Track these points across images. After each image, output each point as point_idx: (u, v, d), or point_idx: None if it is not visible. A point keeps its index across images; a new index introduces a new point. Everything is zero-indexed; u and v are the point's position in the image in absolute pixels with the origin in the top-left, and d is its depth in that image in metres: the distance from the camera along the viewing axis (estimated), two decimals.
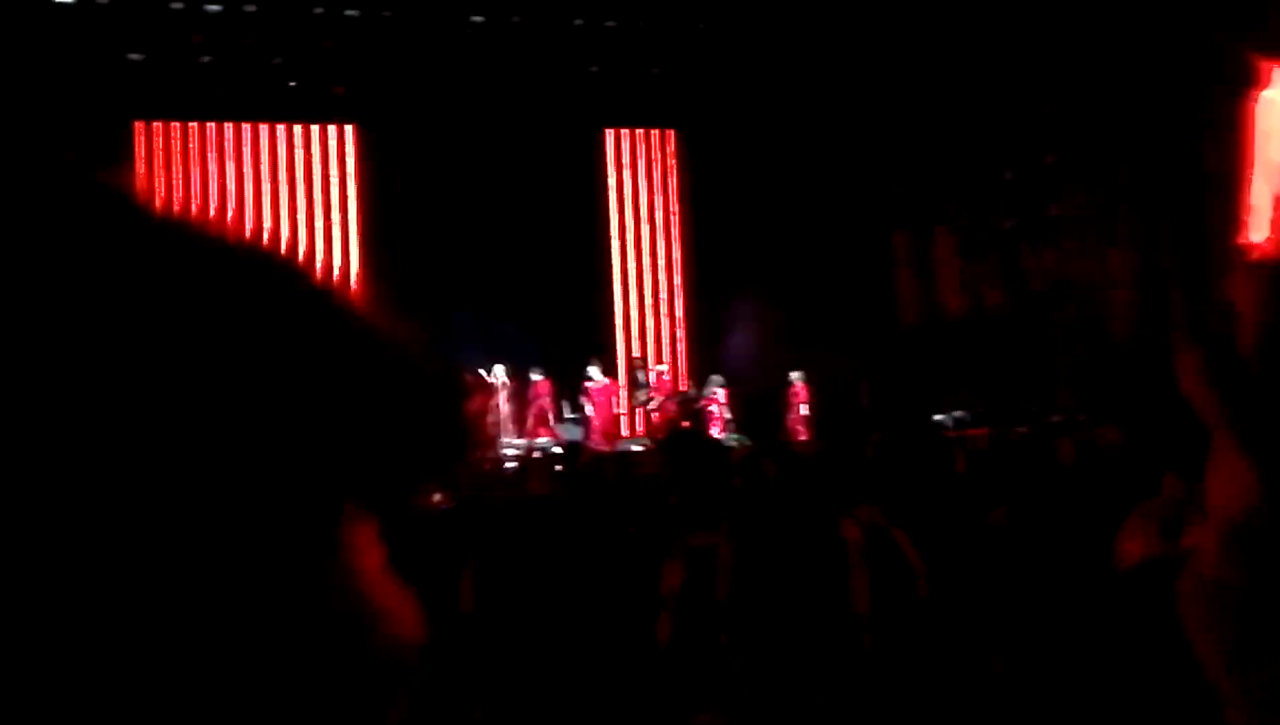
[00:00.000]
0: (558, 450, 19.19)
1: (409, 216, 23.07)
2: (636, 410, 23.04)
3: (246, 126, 23.21)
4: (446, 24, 21.91)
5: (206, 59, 21.61)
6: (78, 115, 21.25)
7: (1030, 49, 20.00)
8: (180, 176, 22.89)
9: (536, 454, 16.04)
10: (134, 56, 21.22)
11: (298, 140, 23.49)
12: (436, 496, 8.10)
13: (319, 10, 21.36)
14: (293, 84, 22.10)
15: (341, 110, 23.09)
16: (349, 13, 21.49)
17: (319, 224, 23.53)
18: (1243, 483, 0.96)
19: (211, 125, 23.06)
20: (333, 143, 23.62)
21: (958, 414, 19.75)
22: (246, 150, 23.27)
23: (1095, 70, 19.10)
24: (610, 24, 22.33)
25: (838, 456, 8.33)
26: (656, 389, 22.26)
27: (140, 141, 22.79)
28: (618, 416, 22.48)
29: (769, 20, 22.08)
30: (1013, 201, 21.25)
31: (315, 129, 23.49)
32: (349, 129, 23.55)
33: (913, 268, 23.58)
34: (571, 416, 22.15)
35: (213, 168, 23.12)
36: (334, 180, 23.63)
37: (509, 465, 14.12)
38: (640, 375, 22.87)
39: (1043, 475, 7.10)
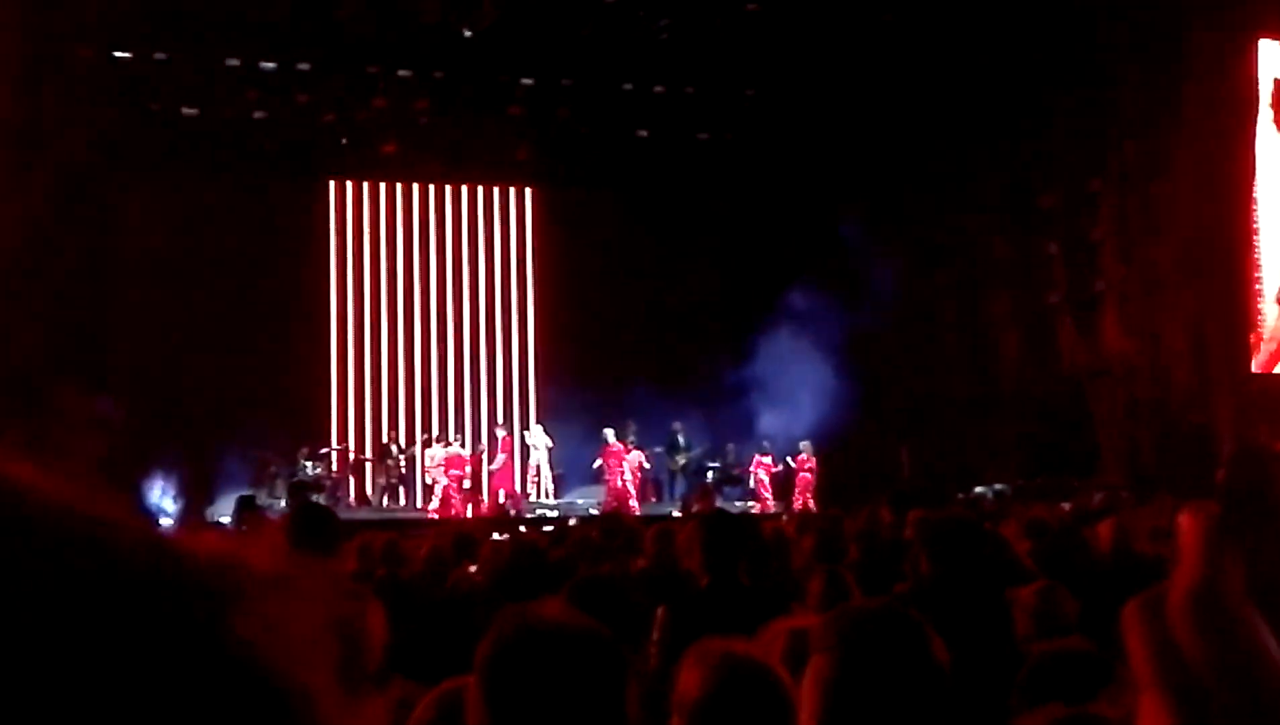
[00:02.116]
0: (594, 512, 19.25)
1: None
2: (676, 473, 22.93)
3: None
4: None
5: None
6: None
7: (1077, 123, 20.00)
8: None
9: (573, 520, 16.02)
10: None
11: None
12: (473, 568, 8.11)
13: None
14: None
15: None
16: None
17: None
18: None
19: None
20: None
21: (998, 487, 19.58)
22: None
23: (1143, 143, 19.07)
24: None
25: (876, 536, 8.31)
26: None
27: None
28: (638, 481, 22.29)
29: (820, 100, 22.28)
30: (1058, 274, 21.14)
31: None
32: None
33: (960, 336, 23.45)
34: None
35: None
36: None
37: (546, 528, 14.16)
38: (681, 439, 22.77)
39: (1079, 560, 7.06)
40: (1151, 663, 1.95)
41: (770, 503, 22.04)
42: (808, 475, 22.27)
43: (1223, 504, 2.34)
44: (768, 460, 22.62)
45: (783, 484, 22.52)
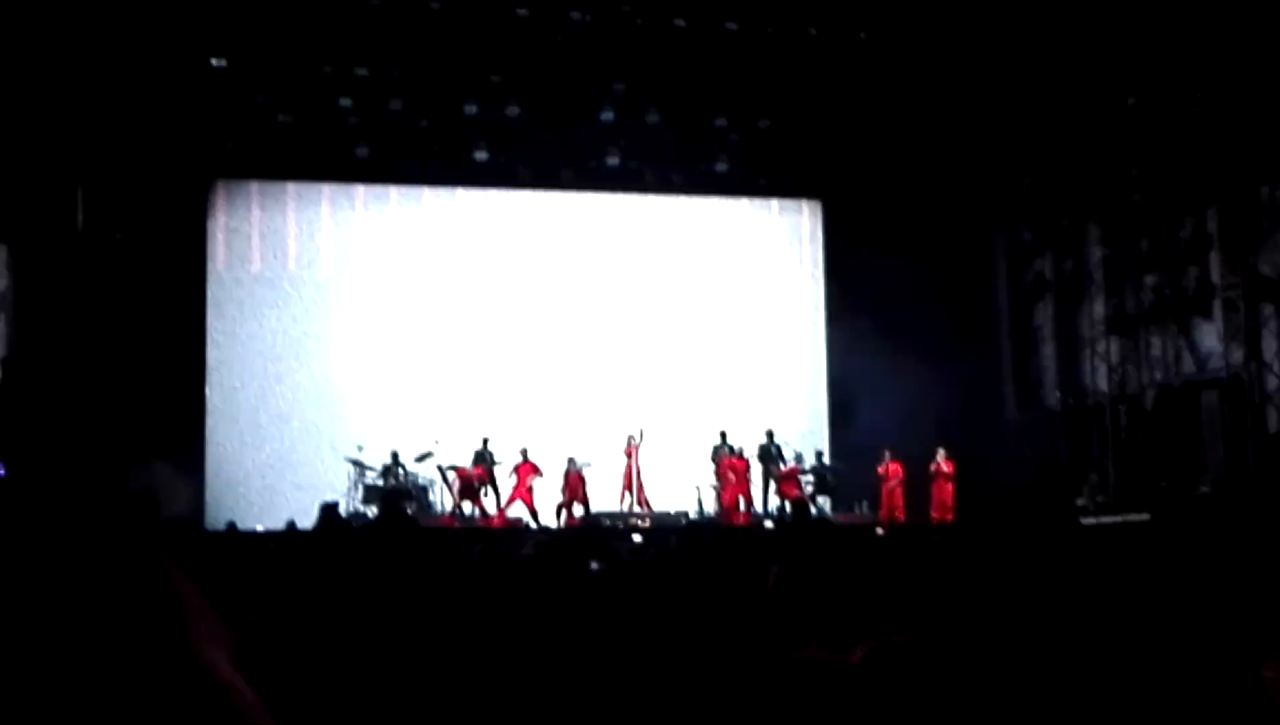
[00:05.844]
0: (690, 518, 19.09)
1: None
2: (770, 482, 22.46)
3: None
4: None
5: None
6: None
7: (1182, 132, 19.55)
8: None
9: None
10: None
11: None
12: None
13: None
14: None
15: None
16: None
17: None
18: None
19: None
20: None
21: (1099, 498, 19.19)
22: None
23: (1251, 147, 18.57)
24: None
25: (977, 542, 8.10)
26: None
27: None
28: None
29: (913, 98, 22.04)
30: (1156, 278, 20.65)
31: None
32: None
33: (1057, 343, 22.99)
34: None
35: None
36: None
37: (635, 538, 14.05)
38: (775, 448, 22.30)
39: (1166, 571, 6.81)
40: None
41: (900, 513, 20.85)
42: (946, 482, 20.97)
43: None
44: (891, 466, 21.22)
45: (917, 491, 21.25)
